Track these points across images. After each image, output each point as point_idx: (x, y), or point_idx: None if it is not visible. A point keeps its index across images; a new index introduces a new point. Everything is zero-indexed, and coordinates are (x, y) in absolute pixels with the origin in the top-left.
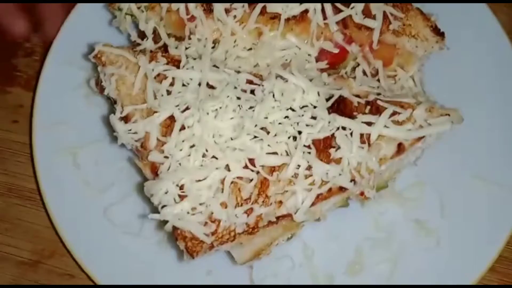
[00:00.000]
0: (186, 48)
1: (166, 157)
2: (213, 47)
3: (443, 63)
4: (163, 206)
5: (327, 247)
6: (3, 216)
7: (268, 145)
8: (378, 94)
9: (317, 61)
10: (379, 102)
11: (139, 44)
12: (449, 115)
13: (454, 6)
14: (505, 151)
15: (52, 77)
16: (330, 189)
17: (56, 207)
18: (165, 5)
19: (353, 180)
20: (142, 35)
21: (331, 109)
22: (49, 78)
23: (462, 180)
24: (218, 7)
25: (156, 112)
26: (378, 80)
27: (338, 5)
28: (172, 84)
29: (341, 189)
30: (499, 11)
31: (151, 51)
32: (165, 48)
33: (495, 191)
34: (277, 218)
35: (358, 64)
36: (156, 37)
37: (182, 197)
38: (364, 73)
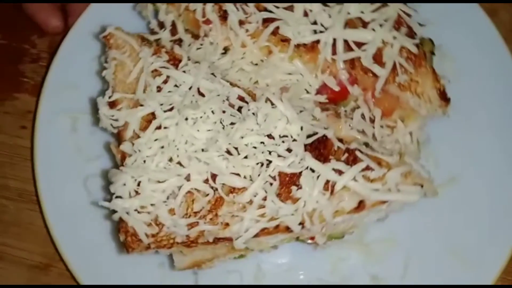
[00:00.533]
0: (198, 49)
1: (135, 151)
2: (224, 53)
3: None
4: (117, 197)
5: (279, 275)
6: (15, 221)
7: (234, 166)
8: (366, 143)
9: (317, 93)
10: (357, 153)
11: (156, 33)
12: (422, 186)
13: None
14: (484, 230)
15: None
16: (277, 226)
17: (43, 167)
18: (183, 4)
19: (302, 224)
20: (161, 25)
21: (310, 146)
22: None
23: (434, 250)
24: (233, 17)
25: (141, 105)
26: None
27: (352, 44)
28: (166, 82)
29: (288, 229)
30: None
31: (157, 45)
32: (180, 41)
33: (464, 269)
34: (217, 239)
35: (359, 106)
36: (174, 30)
37: (136, 193)
38: (363, 116)
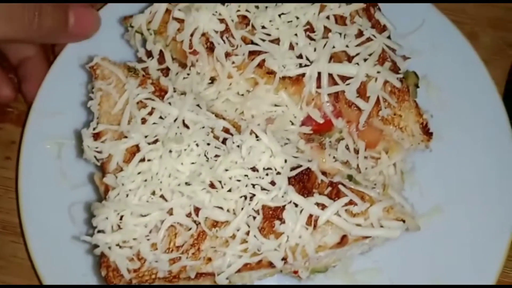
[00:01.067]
0: (184, 78)
1: (119, 184)
2: (210, 83)
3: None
4: (99, 231)
5: None
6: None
7: (217, 199)
8: (349, 176)
9: (302, 124)
10: (340, 187)
11: (144, 61)
12: (404, 221)
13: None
14: (467, 259)
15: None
16: (260, 261)
17: (27, 190)
18: (170, 34)
19: (284, 259)
20: (148, 54)
21: (294, 179)
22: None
23: (418, 279)
24: (219, 50)
25: (125, 137)
26: None
27: (336, 77)
28: (151, 114)
29: (271, 264)
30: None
31: (144, 74)
32: (167, 70)
33: None
34: (199, 274)
35: (343, 138)
36: (161, 59)
37: (119, 227)
38: (348, 147)
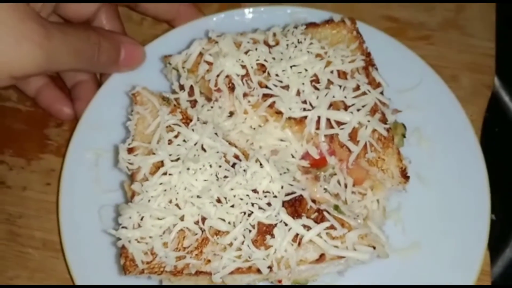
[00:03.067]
0: (208, 110)
1: (143, 191)
2: (229, 116)
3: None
4: (123, 227)
5: None
6: (40, 268)
7: (221, 212)
8: (336, 206)
9: (301, 158)
10: (325, 213)
11: (176, 93)
12: (374, 248)
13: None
14: None
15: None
16: (250, 267)
17: (66, 189)
18: (200, 73)
19: (270, 268)
20: (181, 87)
21: (287, 203)
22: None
23: None
24: (239, 90)
25: (153, 153)
26: None
27: (333, 122)
28: (176, 137)
29: (259, 270)
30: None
31: (175, 104)
32: (195, 102)
33: None
34: (199, 272)
35: (336, 173)
36: (191, 92)
37: (139, 226)
38: (339, 182)
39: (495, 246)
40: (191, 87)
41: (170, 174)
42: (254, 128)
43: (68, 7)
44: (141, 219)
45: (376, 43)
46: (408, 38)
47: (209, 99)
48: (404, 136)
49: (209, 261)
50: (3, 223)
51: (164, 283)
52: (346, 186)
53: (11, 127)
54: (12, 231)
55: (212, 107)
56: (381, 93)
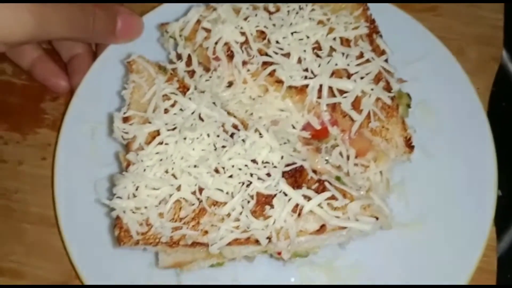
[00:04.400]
0: (206, 80)
1: (139, 160)
2: (228, 86)
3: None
4: (117, 197)
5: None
6: (36, 243)
7: (219, 183)
8: (338, 177)
9: (302, 129)
10: (326, 183)
11: (174, 63)
12: (377, 218)
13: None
14: (443, 266)
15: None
16: (248, 238)
17: (61, 162)
18: (198, 41)
19: (269, 239)
20: (178, 56)
21: (287, 173)
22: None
23: (396, 280)
24: (238, 58)
25: (149, 122)
26: None
27: (335, 91)
28: (173, 106)
29: (257, 241)
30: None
31: (171, 73)
32: (193, 72)
33: None
34: (195, 243)
35: (338, 145)
36: (189, 62)
37: (134, 196)
38: (341, 153)
39: (501, 222)
40: (189, 57)
41: (166, 144)
42: (254, 99)
43: None
44: (136, 189)
45: (381, 14)
46: (415, 10)
47: (207, 69)
48: (409, 106)
49: (206, 232)
50: None
51: (160, 256)
52: (348, 157)
53: (6, 101)
54: (8, 206)
55: (210, 77)
56: (386, 61)
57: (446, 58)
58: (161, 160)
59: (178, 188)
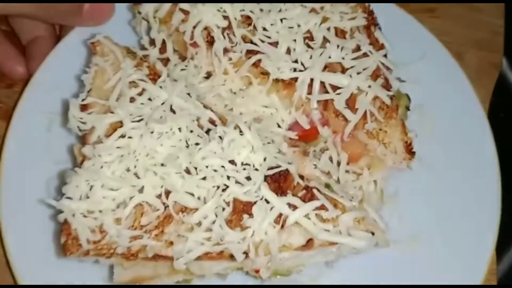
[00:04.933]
0: (182, 70)
1: (95, 155)
2: (206, 77)
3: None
4: (67, 197)
5: None
6: None
7: (189, 185)
8: (327, 185)
9: (289, 129)
10: (315, 191)
11: (146, 49)
12: (373, 233)
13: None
14: None
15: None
16: (221, 252)
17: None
18: (174, 24)
19: (246, 254)
20: (152, 42)
21: (270, 178)
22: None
23: None
24: (218, 44)
25: (111, 112)
26: None
27: (328, 86)
28: (141, 95)
29: (232, 257)
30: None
31: (140, 59)
32: (167, 60)
33: None
34: (158, 256)
35: (328, 148)
36: (163, 49)
37: (87, 197)
38: (331, 159)
39: (501, 242)
40: (163, 42)
41: (129, 137)
42: (235, 92)
43: None
44: (90, 189)
45: (378, 11)
46: (411, 10)
47: (183, 58)
48: (408, 108)
49: (171, 243)
50: None
51: (115, 269)
52: (339, 163)
53: None
54: None
55: (186, 66)
56: (385, 56)
57: (446, 60)
58: (122, 156)
59: (141, 190)
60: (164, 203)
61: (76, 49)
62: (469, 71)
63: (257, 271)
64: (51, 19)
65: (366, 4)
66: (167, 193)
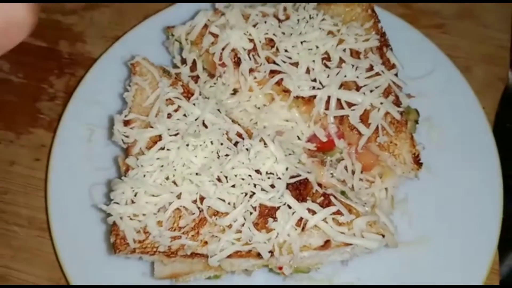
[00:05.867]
0: (211, 86)
1: (138, 165)
2: (233, 94)
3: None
4: (115, 202)
5: None
6: (24, 247)
7: (221, 192)
8: (343, 192)
9: (308, 141)
10: (332, 198)
11: (178, 67)
12: (383, 236)
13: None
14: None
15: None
16: (250, 251)
17: (56, 167)
18: (204, 45)
19: (271, 253)
20: (183, 61)
21: (292, 185)
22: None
23: None
24: (244, 65)
25: (151, 127)
26: None
27: (343, 103)
28: (176, 111)
29: (259, 255)
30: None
31: (175, 78)
32: (197, 78)
33: None
34: (194, 254)
35: (343, 158)
36: (194, 67)
37: (132, 203)
38: (346, 168)
39: (503, 244)
40: (194, 61)
41: (168, 149)
42: (259, 107)
43: None
44: (135, 195)
45: (389, 28)
46: (421, 26)
47: (212, 75)
48: (417, 122)
49: (205, 243)
50: None
51: (156, 266)
52: (353, 172)
53: (1, 98)
54: None
55: (215, 83)
56: (396, 75)
57: (453, 75)
58: (161, 166)
59: (179, 196)
60: (199, 208)
61: (113, 66)
62: (477, 84)
63: (280, 268)
64: None
65: (379, 26)
66: (202, 198)
